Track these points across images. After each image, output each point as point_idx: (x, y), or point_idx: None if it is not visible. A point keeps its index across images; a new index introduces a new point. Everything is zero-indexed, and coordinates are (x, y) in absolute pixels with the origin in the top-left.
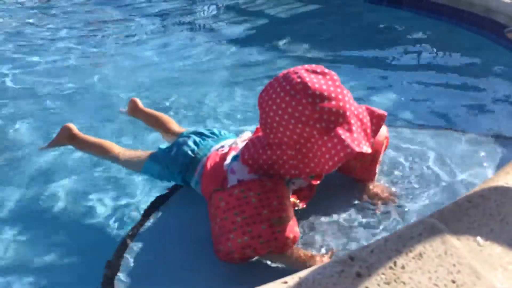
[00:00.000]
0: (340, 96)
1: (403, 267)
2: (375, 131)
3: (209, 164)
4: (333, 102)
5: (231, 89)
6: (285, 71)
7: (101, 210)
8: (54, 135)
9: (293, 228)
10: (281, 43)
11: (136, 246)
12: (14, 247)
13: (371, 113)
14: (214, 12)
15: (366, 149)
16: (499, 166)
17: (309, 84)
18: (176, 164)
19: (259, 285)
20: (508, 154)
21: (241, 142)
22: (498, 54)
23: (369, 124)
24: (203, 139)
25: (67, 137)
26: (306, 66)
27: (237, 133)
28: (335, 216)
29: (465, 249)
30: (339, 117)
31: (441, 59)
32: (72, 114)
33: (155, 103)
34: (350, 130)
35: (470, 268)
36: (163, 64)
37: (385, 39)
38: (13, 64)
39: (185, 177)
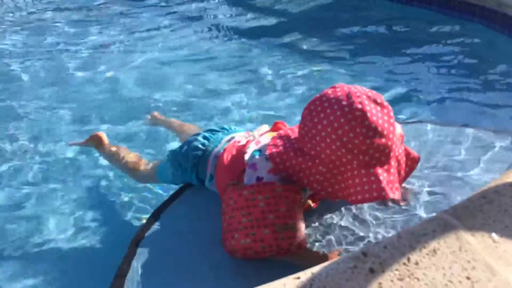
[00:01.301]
0: (391, 135)
1: (416, 263)
2: (408, 173)
3: (225, 157)
4: (383, 140)
5: (242, 87)
6: (346, 88)
7: (113, 209)
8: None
9: (299, 236)
10: (291, 39)
11: (145, 244)
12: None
13: (407, 155)
14: (225, 9)
15: (398, 195)
16: None
17: (368, 114)
18: (188, 159)
19: (272, 280)
20: None
21: (259, 135)
22: (511, 49)
23: (403, 165)
24: (214, 134)
25: (95, 144)
26: (367, 91)
27: (247, 129)
28: (346, 213)
29: (479, 246)
30: (382, 156)
31: (451, 54)
32: (86, 115)
33: (167, 103)
34: (388, 171)
35: (485, 265)
36: (171, 63)
37: (396, 34)
38: (26, 62)
39: (198, 173)
